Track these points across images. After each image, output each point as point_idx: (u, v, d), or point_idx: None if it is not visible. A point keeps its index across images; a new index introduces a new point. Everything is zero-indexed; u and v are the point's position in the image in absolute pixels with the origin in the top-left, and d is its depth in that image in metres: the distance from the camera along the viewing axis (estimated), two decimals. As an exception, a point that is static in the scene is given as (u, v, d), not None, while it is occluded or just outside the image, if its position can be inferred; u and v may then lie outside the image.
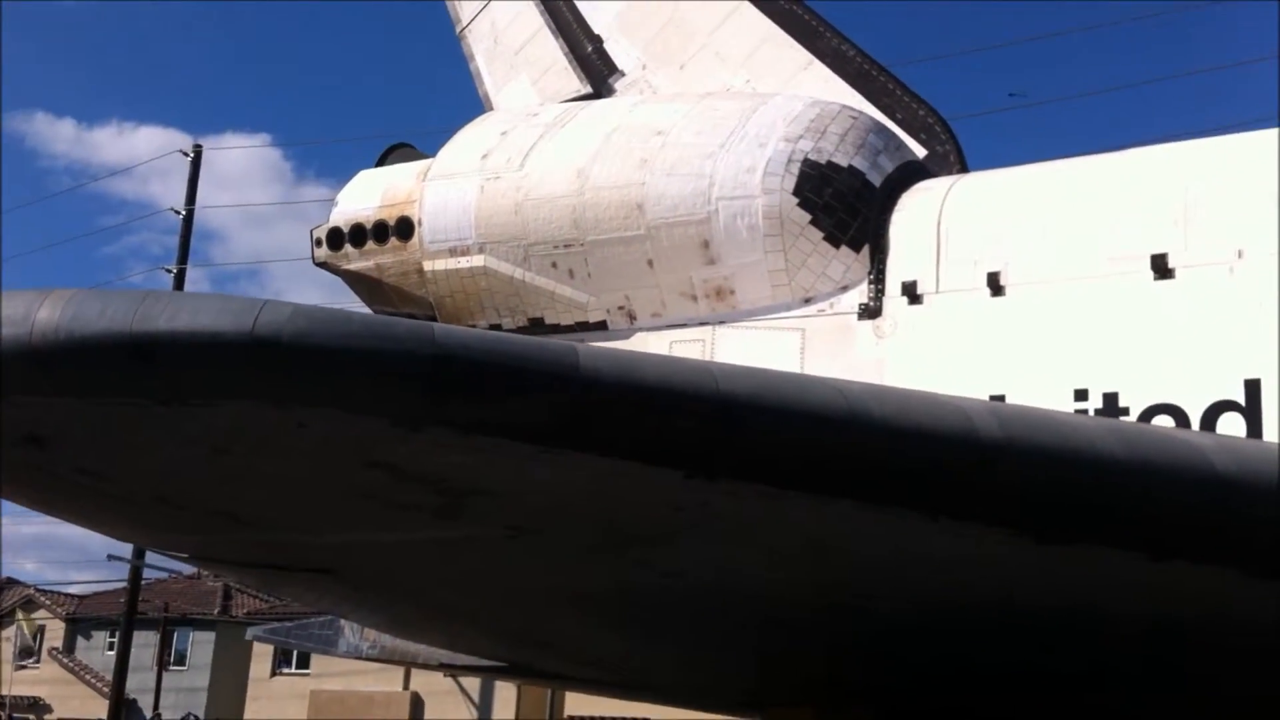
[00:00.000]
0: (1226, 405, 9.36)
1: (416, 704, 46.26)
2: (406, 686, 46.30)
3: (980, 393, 9.75)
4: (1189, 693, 8.84)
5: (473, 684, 44.69)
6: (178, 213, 39.88)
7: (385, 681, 45.49)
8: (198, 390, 5.26)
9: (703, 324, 11.93)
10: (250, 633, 17.22)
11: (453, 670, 13.04)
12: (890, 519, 5.85)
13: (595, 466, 5.66)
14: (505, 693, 43.70)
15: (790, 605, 7.60)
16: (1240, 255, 9.72)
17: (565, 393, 5.33)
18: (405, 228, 13.29)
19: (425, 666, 13.24)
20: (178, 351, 5.12)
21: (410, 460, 5.82)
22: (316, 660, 47.17)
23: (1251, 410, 9.24)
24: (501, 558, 7.34)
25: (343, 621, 12.96)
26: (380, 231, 13.44)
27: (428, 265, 13.17)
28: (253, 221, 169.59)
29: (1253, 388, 9.35)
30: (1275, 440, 8.66)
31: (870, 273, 11.29)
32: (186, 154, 40.69)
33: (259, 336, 5.14)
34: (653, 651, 9.70)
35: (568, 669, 10.94)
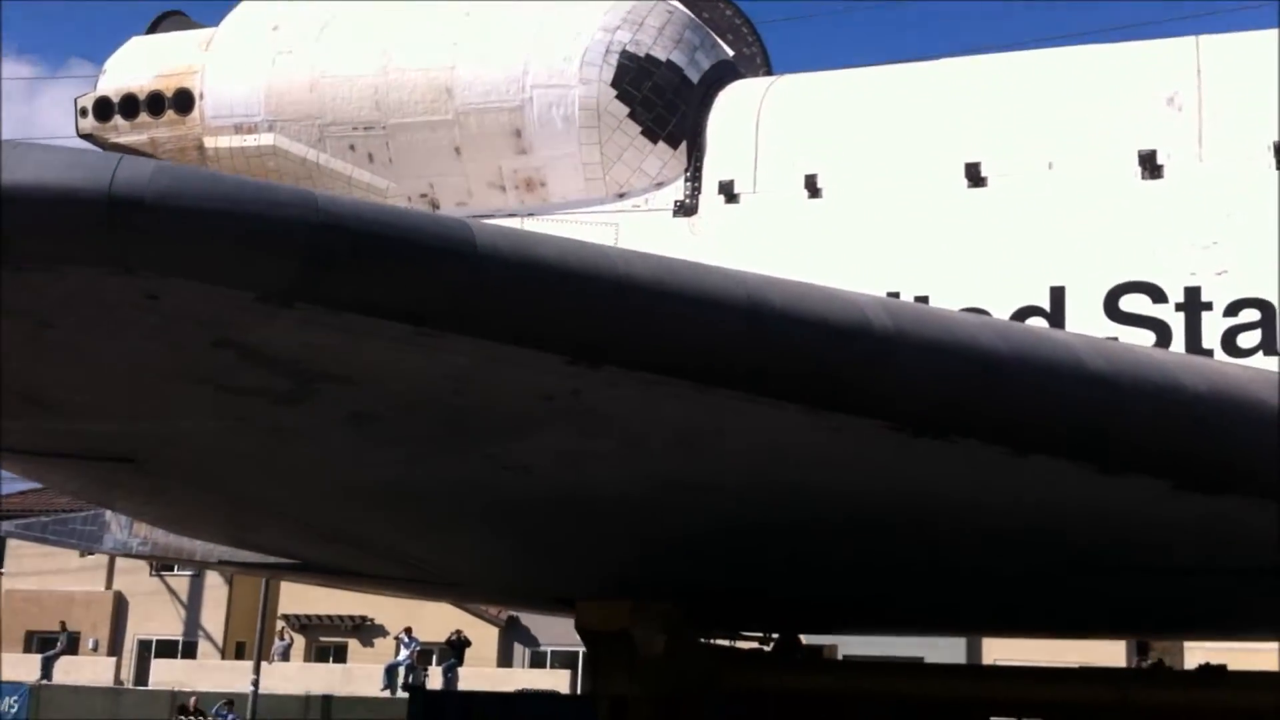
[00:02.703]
0: (1032, 310, 9.69)
1: (120, 604, 44.50)
2: (109, 586, 44.44)
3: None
4: (1022, 591, 9.21)
5: (181, 584, 43.32)
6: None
7: (85, 581, 43.48)
8: (38, 254, 4.63)
9: (511, 215, 11.55)
10: (3, 529, 15.97)
11: (234, 568, 12.45)
12: (770, 411, 5.74)
13: (475, 351, 5.31)
14: (215, 593, 42.55)
15: (636, 502, 7.46)
16: (1050, 167, 10.01)
17: (459, 271, 4.95)
18: (184, 100, 12.34)
19: (203, 564, 12.58)
20: (20, 210, 4.49)
21: (267, 340, 5.33)
22: (7, 557, 44.56)
23: (1056, 316, 9.59)
24: (335, 449, 6.90)
25: (109, 516, 12.15)
26: (155, 103, 12.45)
27: (209, 142, 12.30)
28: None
29: (1058, 294, 9.69)
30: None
31: (687, 170, 11.15)
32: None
33: (117, 196, 4.55)
34: (474, 548, 9.44)
35: (369, 566, 10.56)
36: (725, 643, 11.31)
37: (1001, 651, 23.43)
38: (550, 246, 5.10)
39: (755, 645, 11.80)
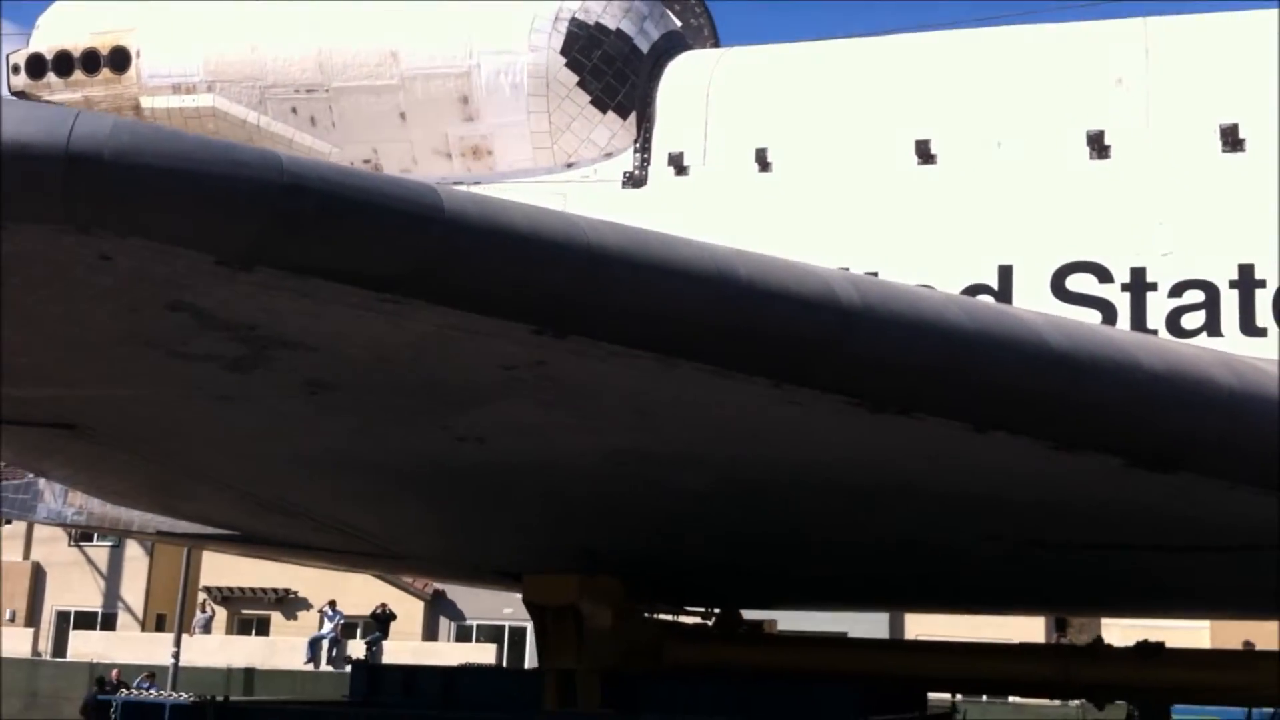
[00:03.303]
0: (980, 289, 9.73)
1: (38, 575, 43.66)
2: (27, 556, 43.58)
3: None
4: (966, 566, 9.26)
5: (100, 555, 42.60)
6: None
7: (3, 551, 42.54)
8: (-11, 209, 4.46)
9: (457, 183, 11.38)
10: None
11: (171, 538, 12.22)
12: (734, 384, 5.69)
13: (438, 319, 5.21)
14: (135, 565, 41.87)
15: (590, 474, 7.40)
16: (999, 145, 10.05)
17: (427, 236, 4.84)
18: (120, 58, 12.03)
19: (139, 534, 12.33)
20: (-28, 164, 4.31)
21: (224, 304, 5.19)
22: (-80, 529, 43.39)
23: (1004, 294, 9.64)
24: (285, 417, 6.77)
25: (43, 485, 11.86)
26: (91, 60, 12.12)
27: (146, 102, 12.01)
28: None
29: (1005, 273, 9.74)
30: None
31: (636, 141, 11.05)
32: None
33: (75, 152, 4.38)
34: (421, 520, 9.32)
35: (309, 537, 10.40)
36: (668, 618, 11.30)
37: (921, 627, 23.65)
38: (520, 214, 5.01)
39: (698, 620, 11.79)
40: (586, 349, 5.44)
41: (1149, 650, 9.91)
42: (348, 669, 27.98)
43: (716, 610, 12.01)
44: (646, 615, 10.70)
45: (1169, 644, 9.91)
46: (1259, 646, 14.69)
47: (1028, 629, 23.31)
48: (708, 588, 11.48)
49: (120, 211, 4.56)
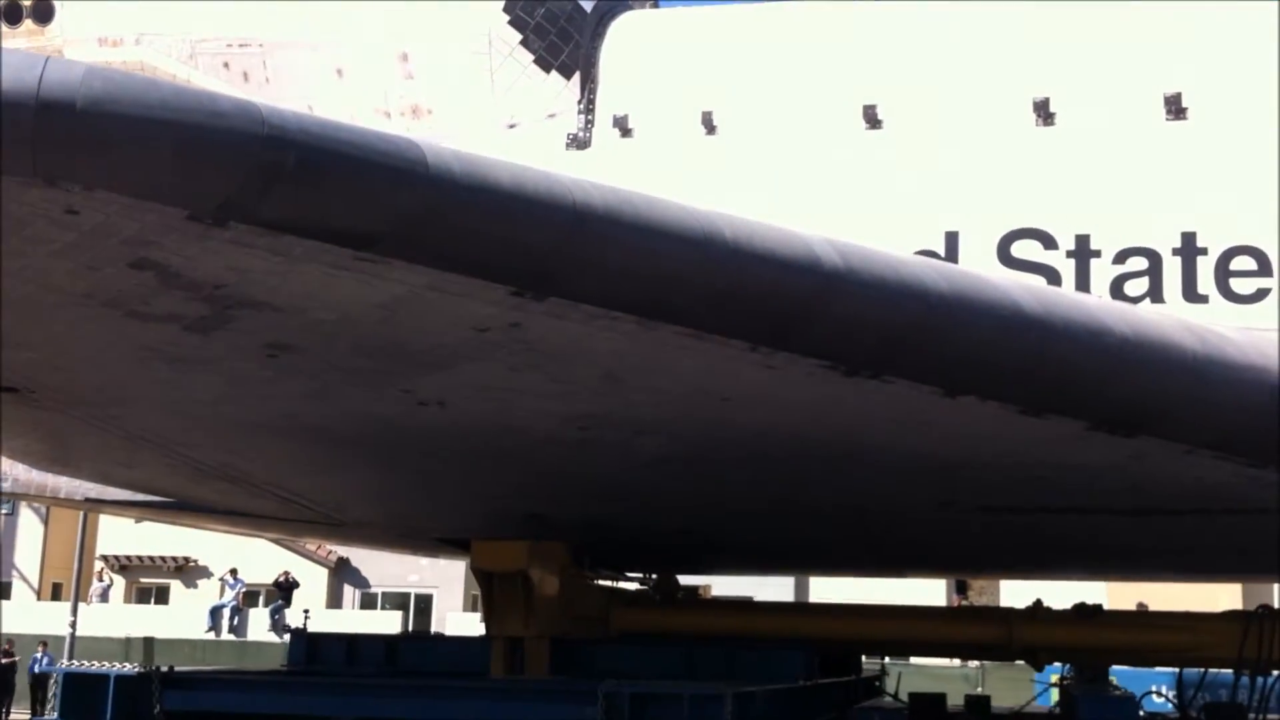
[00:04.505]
0: (927, 254, 9.74)
1: (-82, 545, 42.35)
2: (-95, 525, 42.24)
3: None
4: (913, 529, 9.30)
5: (-12, 522, 41.47)
6: None
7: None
8: (-49, 159, 4.23)
9: (396, 144, 11.16)
10: None
11: (101, 506, 11.88)
12: (711, 347, 5.63)
13: (416, 279, 5.07)
14: (30, 532, 40.80)
15: (551, 439, 7.29)
16: (946, 112, 10.06)
17: (410, 193, 4.69)
18: (44, 10, 11.61)
19: (66, 502, 11.97)
20: (-65, 111, 4.08)
21: (191, 262, 4.99)
22: None
23: (950, 260, 9.66)
24: (242, 380, 6.56)
25: (-36, 453, 11.44)
26: (12, 12, 11.69)
27: (70, 54, 11.58)
28: None
29: (952, 239, 9.78)
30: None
31: (580, 102, 10.90)
32: None
33: (45, 99, 4.17)
34: (371, 485, 9.14)
35: (251, 504, 10.15)
36: (611, 583, 11.25)
37: (824, 590, 23.81)
38: (505, 172, 4.87)
39: (636, 585, 11.77)
40: (566, 311, 5.33)
41: (1087, 612, 10.08)
42: (286, 638, 27.58)
43: (654, 576, 11.98)
44: (592, 582, 10.63)
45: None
46: (1151, 608, 14.87)
47: (928, 592, 23.54)
48: (650, 553, 11.45)
49: (91, 163, 4.36)
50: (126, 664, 8.40)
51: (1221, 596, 17.31)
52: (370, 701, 8.02)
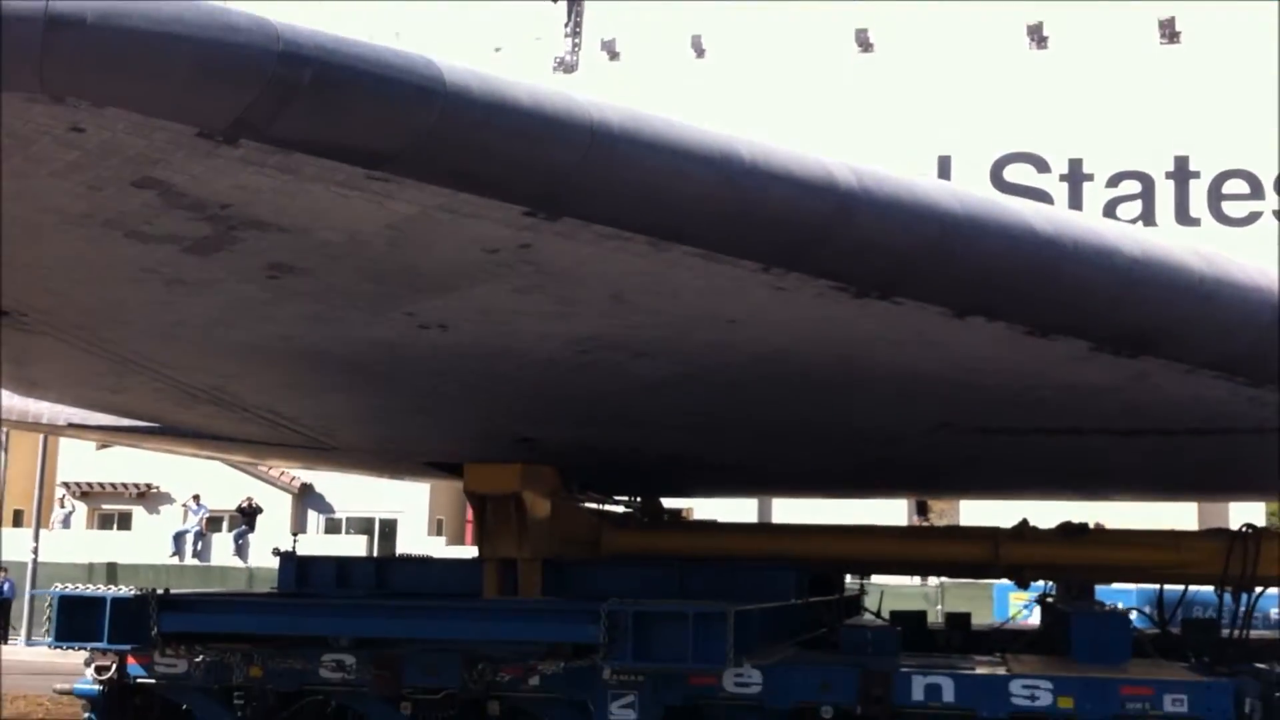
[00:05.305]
0: (919, 177, 9.71)
1: None
2: None
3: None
4: (909, 452, 9.32)
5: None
6: None
7: None
8: (-42, 75, 4.10)
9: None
10: None
11: (85, 431, 11.76)
12: (721, 268, 5.59)
13: (428, 199, 4.98)
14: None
15: (551, 361, 7.24)
16: (939, 35, 9.98)
17: (427, 110, 4.60)
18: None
19: (48, 428, 11.86)
20: (-60, 26, 3.95)
21: (197, 181, 4.88)
22: None
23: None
24: (241, 303, 6.46)
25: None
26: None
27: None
28: None
29: (944, 164, 9.76)
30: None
31: (567, 26, 10.75)
32: None
33: (55, 14, 4.04)
34: (363, 409, 9.08)
35: (238, 429, 10.07)
36: (598, 506, 11.27)
37: (786, 512, 23.93)
38: (523, 90, 4.78)
39: (626, 509, 11.80)
40: (578, 231, 5.27)
41: (1073, 530, 10.20)
42: (251, 562, 27.56)
43: (638, 500, 12.03)
44: (582, 505, 10.66)
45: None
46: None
47: (889, 513, 23.65)
48: (634, 477, 11.47)
49: (100, 79, 4.24)
50: (124, 587, 8.37)
51: (1170, 519, 17.29)
52: (371, 622, 8.04)
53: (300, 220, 5.31)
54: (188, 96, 4.36)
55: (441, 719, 8.42)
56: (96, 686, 8.69)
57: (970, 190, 6.21)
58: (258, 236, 5.49)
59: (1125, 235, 6.34)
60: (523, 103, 4.75)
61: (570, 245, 5.41)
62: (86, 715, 8.89)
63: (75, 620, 8.12)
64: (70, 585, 8.50)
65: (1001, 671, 8.10)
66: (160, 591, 8.20)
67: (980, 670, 8.19)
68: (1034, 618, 13.17)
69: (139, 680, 8.62)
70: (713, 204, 5.21)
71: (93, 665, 8.64)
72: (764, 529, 11.25)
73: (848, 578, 12.42)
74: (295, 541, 11.14)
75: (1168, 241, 6.63)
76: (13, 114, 4.32)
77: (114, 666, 8.56)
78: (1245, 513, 19.37)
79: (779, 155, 5.32)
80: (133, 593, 8.08)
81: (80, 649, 8.41)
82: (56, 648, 8.20)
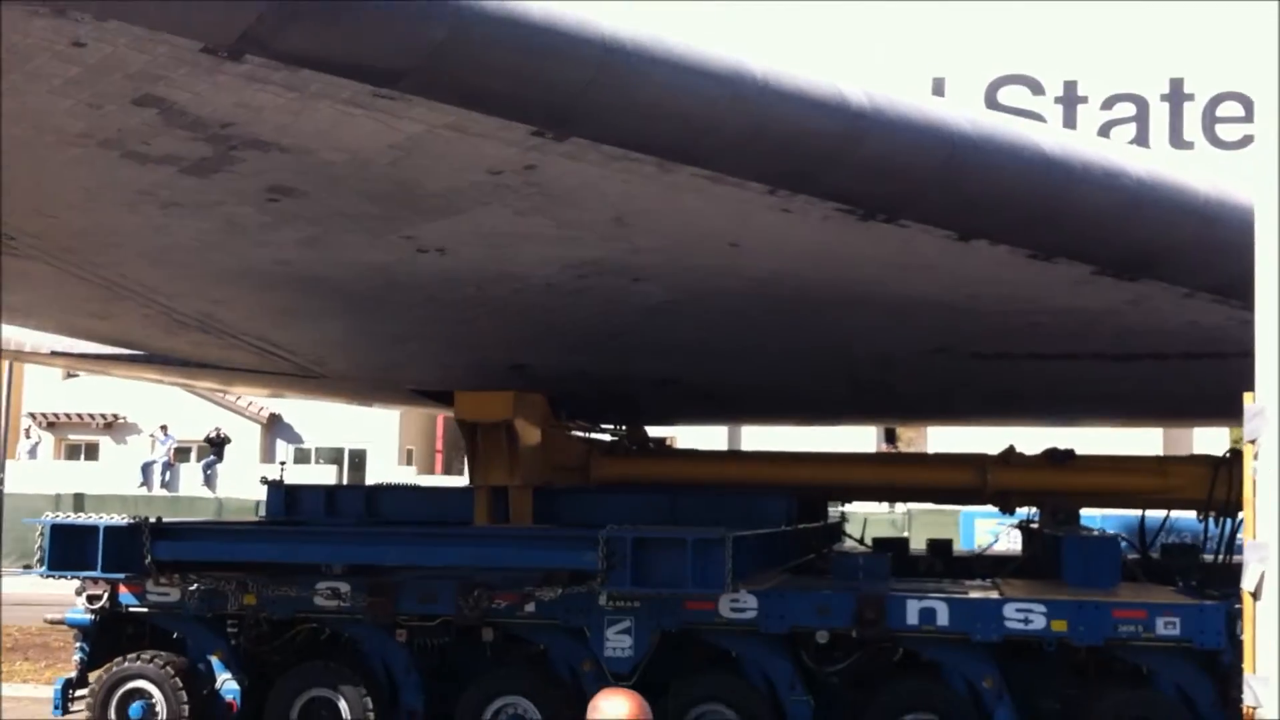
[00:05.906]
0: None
1: None
2: None
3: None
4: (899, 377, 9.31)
5: None
6: None
7: None
8: (-46, -15, 3.97)
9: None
10: None
11: (67, 359, 11.62)
12: (727, 190, 5.52)
13: (435, 118, 4.89)
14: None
15: (548, 286, 7.18)
16: None
17: (438, 26, 4.49)
18: None
19: (31, 357, 11.71)
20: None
21: (199, 99, 4.77)
22: None
23: (935, 108, 9.55)
24: (238, 227, 6.36)
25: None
26: None
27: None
28: None
29: (938, 85, 9.64)
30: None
31: None
32: None
33: None
34: (355, 336, 8.99)
35: (225, 357, 9.97)
36: (587, 434, 11.26)
37: (755, 439, 23.87)
38: (535, 5, 4.67)
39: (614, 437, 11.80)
40: (585, 152, 5.19)
41: (1059, 457, 10.25)
42: (218, 492, 27.43)
43: (623, 428, 12.02)
44: (571, 432, 10.64)
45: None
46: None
47: (858, 440, 23.74)
48: (624, 404, 11.45)
49: (105, -10, 4.12)
50: (115, 515, 8.31)
51: (1135, 446, 17.29)
52: (370, 550, 8.02)
53: (303, 140, 5.20)
54: (193, 9, 4.24)
55: (435, 645, 8.45)
56: (88, 616, 8.66)
57: (979, 111, 6.15)
58: (258, 157, 5.39)
59: (1131, 155, 6.31)
60: (535, 18, 4.65)
61: (576, 167, 5.33)
62: (78, 644, 8.87)
63: (68, 549, 8.05)
64: (55, 515, 8.42)
65: (995, 595, 8.17)
66: (153, 520, 8.13)
67: (974, 594, 8.25)
68: (1000, 545, 13.36)
69: (131, 609, 8.60)
70: (723, 123, 5.13)
71: (84, 594, 8.61)
72: (754, 456, 11.28)
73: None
74: (283, 470, 11.08)
75: (1173, 164, 6.61)
76: (13, 27, 4.19)
77: (105, 595, 8.54)
78: (1209, 439, 19.54)
79: (790, 74, 5.25)
80: (125, 521, 8.02)
81: (74, 578, 8.36)
82: (49, 577, 8.13)
